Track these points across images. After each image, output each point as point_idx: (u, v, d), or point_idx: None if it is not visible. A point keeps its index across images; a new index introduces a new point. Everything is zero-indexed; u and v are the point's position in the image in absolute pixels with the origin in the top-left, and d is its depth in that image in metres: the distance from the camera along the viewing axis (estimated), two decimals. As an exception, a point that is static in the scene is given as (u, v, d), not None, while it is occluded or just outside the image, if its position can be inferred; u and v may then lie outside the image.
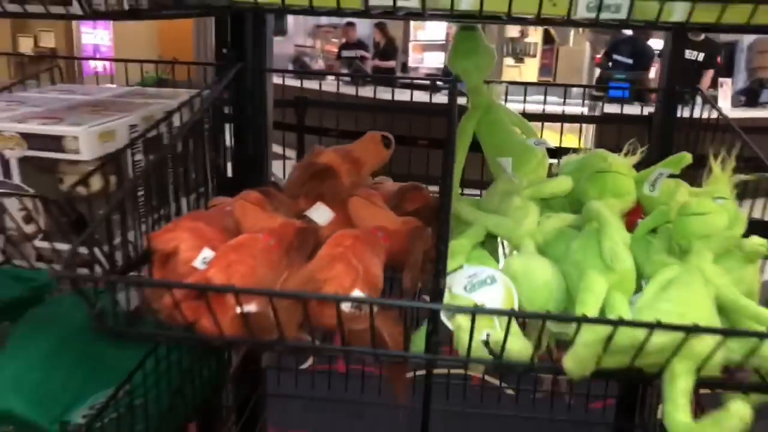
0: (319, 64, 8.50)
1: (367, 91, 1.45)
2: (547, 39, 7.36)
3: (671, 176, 0.74)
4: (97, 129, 0.71)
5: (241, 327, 0.55)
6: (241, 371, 1.07)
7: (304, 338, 0.57)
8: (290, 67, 7.84)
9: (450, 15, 0.62)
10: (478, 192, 0.88)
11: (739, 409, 0.50)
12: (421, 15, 0.64)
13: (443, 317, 0.53)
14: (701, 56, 6.59)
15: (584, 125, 3.47)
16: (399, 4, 0.62)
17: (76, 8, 0.62)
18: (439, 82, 5.92)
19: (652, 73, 6.82)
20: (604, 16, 0.61)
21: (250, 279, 0.56)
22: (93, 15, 0.62)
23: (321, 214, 0.73)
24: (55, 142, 0.69)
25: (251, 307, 0.54)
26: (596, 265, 0.58)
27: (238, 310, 0.53)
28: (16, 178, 0.72)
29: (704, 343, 0.50)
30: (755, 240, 0.60)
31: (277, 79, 0.98)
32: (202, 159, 0.86)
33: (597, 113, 3.89)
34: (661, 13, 0.60)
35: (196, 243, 0.62)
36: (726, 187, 0.63)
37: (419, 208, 0.78)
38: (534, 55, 7.54)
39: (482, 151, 0.82)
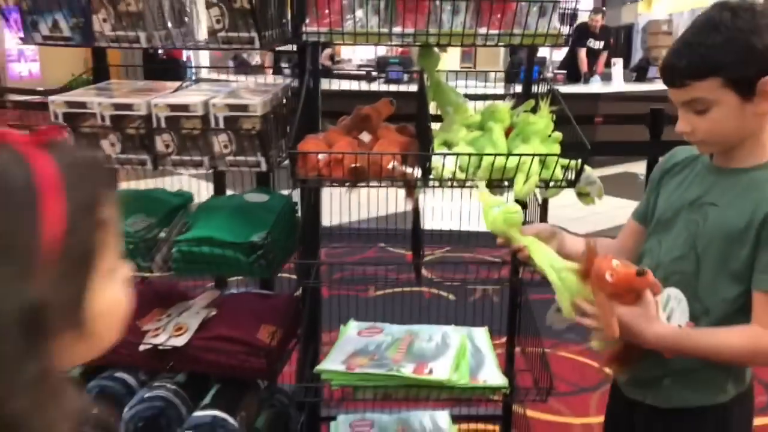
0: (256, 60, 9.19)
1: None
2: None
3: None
4: (264, 98, 1.51)
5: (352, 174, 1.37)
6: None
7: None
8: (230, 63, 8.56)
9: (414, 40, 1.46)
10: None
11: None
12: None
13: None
14: (601, 44, 7.86)
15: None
16: (415, 33, 1.44)
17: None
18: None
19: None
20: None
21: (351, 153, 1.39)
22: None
23: (365, 136, 1.55)
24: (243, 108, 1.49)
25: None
26: (490, 142, 1.44)
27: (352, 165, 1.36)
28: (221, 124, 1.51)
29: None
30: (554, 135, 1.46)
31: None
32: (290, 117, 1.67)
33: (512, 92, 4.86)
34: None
35: (321, 146, 1.44)
36: (546, 112, 1.49)
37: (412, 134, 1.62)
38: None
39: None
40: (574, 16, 1.41)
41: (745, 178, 1.13)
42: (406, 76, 8.06)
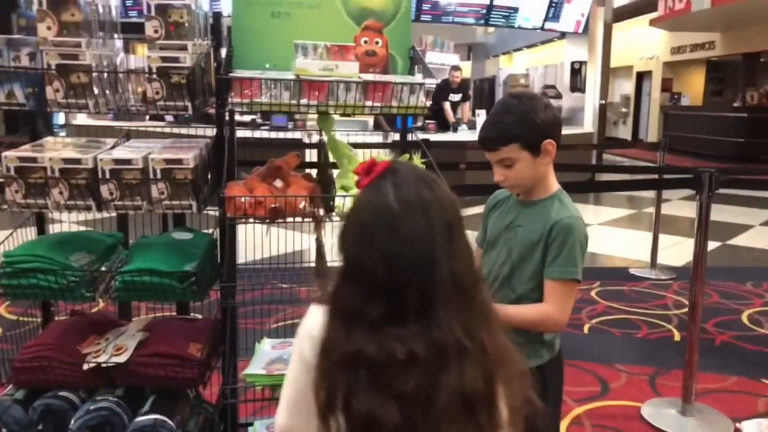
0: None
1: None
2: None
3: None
4: (194, 153, 1.86)
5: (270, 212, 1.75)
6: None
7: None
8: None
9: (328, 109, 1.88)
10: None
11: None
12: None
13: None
14: (459, 96, 8.81)
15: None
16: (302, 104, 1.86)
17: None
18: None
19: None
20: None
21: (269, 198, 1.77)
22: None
23: (279, 183, 1.94)
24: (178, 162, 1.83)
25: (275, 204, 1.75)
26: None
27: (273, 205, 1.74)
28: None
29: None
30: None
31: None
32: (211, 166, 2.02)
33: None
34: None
35: (244, 191, 1.81)
36: (418, 162, 1.95)
37: (315, 180, 2.02)
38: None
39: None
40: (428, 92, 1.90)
41: (538, 206, 1.66)
42: (290, 124, 8.52)
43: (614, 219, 8.06)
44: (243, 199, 1.76)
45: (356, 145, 2.22)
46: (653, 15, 14.78)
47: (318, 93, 1.81)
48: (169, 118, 7.77)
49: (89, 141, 2.05)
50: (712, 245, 6.44)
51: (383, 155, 2.06)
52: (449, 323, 0.96)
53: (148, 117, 7.48)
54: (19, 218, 2.11)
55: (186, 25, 1.80)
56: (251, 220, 1.79)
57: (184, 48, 1.79)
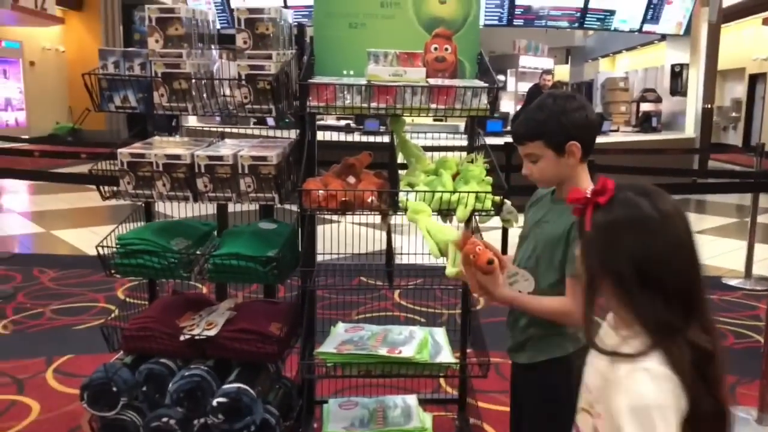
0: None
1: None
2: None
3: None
4: (278, 151, 2.08)
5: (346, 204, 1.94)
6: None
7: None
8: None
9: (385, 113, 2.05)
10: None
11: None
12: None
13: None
14: None
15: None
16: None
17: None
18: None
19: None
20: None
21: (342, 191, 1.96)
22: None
23: (351, 179, 2.13)
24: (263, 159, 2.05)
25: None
26: (441, 184, 2.02)
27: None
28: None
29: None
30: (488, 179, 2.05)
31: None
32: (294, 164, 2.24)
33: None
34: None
35: (319, 185, 2.01)
36: (481, 162, 2.08)
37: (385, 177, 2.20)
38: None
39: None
40: (497, 96, 2.02)
41: (564, 205, 1.72)
42: (382, 128, 8.79)
43: (714, 227, 7.73)
44: (318, 193, 1.95)
45: (426, 148, 2.37)
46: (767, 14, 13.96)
47: (388, 97, 1.98)
48: (270, 122, 8.24)
49: (192, 140, 2.32)
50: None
51: (451, 158, 2.20)
52: (711, 318, 1.10)
53: (253, 121, 8.00)
54: (127, 210, 2.41)
55: (271, 36, 2.02)
56: (325, 211, 1.98)
57: (269, 57, 2.01)
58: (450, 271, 1.73)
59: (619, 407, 1.06)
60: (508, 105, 11.02)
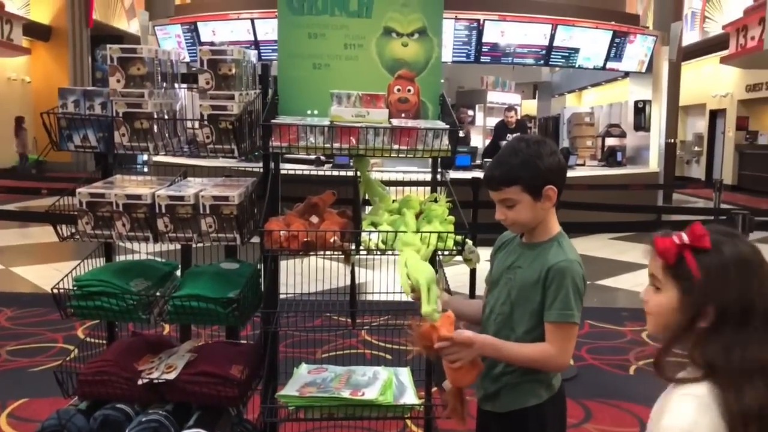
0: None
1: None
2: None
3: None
4: (239, 191, 2.06)
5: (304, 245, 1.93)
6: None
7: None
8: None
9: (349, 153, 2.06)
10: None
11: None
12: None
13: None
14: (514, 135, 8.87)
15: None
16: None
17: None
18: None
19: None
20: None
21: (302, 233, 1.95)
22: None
23: (314, 219, 2.12)
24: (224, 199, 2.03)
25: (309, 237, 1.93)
26: (404, 223, 2.02)
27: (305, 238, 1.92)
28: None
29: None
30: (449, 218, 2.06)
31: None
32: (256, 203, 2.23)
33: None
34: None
35: (281, 225, 1.99)
36: (443, 201, 2.09)
37: (349, 216, 2.19)
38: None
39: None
40: (458, 136, 2.04)
41: (537, 249, 1.73)
42: (352, 161, 8.80)
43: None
44: (280, 233, 1.94)
45: (389, 183, 2.38)
46: (725, 53, 14.47)
47: (351, 137, 1.99)
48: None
49: (155, 179, 2.30)
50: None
51: (414, 197, 2.21)
52: None
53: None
54: (91, 245, 2.36)
55: (234, 76, 2.03)
56: (287, 252, 1.96)
57: (231, 98, 2.01)
58: (426, 309, 1.72)
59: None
60: (477, 139, 11.16)
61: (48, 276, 5.89)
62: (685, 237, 1.22)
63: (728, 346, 1.17)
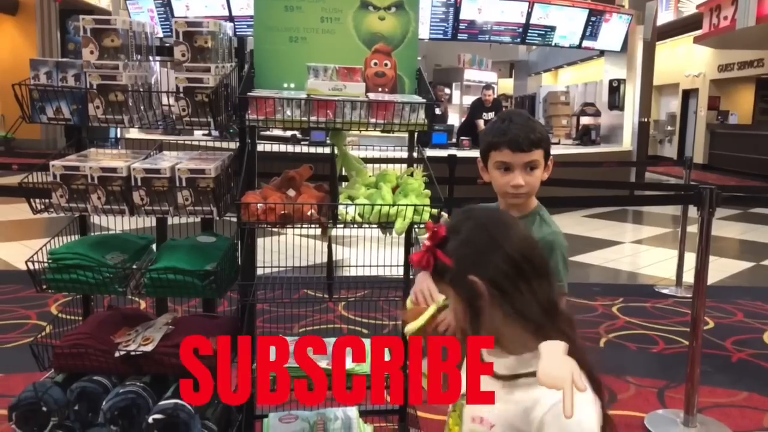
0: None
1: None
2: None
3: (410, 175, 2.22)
4: (216, 164, 2.06)
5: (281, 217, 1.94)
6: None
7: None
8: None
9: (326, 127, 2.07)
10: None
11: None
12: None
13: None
14: (492, 114, 8.99)
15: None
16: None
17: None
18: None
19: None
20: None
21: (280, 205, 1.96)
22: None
23: (291, 192, 2.13)
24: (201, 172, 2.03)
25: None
26: (381, 197, 2.04)
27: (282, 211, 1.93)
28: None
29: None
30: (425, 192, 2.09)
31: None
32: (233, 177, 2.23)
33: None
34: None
35: (258, 198, 2.00)
36: (419, 176, 2.11)
37: (326, 190, 2.21)
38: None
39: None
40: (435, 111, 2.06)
41: (522, 221, 1.76)
42: (328, 139, 8.79)
43: (649, 237, 8.02)
44: (257, 206, 1.95)
45: (366, 160, 2.40)
46: (698, 32, 14.62)
47: (328, 111, 2.00)
48: (215, 133, 8.14)
49: (130, 152, 2.28)
50: (745, 265, 6.38)
51: (390, 171, 2.23)
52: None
53: (202, 132, 7.90)
54: (63, 222, 2.35)
55: (210, 49, 2.01)
56: (264, 225, 1.97)
57: (207, 70, 2.00)
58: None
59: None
60: (454, 117, 11.18)
61: (19, 253, 5.82)
62: (427, 242, 1.23)
63: (522, 304, 1.16)
